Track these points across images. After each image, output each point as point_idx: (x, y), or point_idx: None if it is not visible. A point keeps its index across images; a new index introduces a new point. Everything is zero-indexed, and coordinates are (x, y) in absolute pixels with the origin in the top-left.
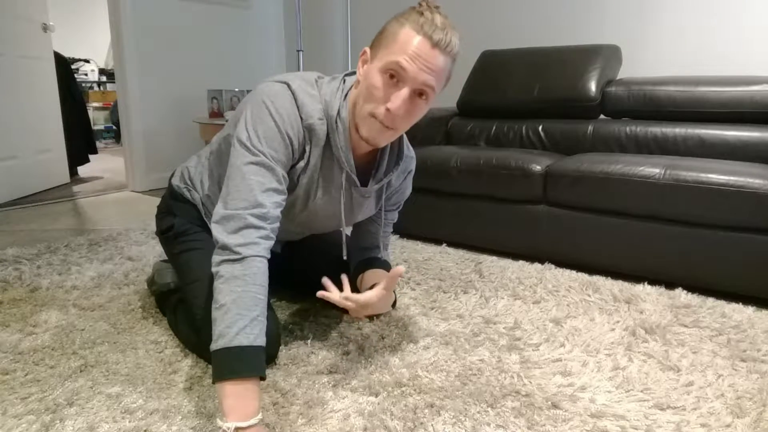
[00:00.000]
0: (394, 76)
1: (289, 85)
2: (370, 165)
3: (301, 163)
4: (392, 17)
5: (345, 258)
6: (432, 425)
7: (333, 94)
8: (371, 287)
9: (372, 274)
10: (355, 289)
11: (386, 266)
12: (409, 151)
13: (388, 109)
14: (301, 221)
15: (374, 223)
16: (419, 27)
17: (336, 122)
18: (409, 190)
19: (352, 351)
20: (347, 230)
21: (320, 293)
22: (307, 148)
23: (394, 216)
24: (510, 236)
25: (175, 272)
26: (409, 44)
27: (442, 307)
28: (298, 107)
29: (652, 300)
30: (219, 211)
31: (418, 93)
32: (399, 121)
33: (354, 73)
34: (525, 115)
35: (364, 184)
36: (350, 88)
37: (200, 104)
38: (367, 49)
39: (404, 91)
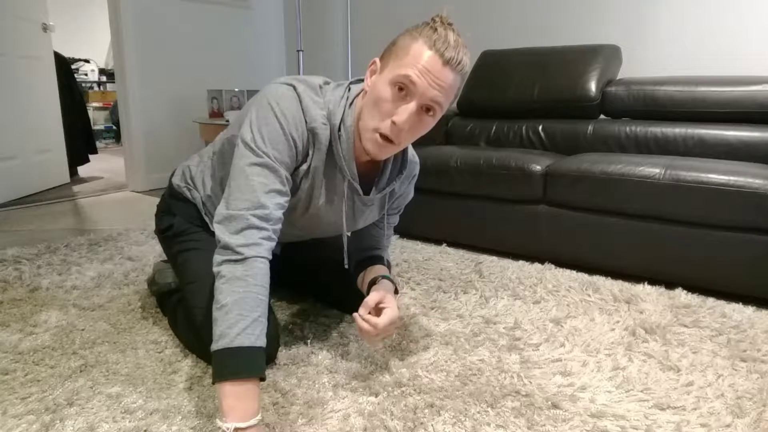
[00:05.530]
0: (403, 89)
1: (294, 88)
2: (374, 172)
3: (304, 166)
4: (405, 31)
5: (346, 266)
6: (432, 425)
7: (337, 103)
8: (378, 312)
9: (372, 271)
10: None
11: (388, 265)
12: (413, 156)
13: (393, 122)
14: (302, 225)
15: (376, 226)
16: (432, 43)
17: (339, 130)
18: (411, 195)
19: (352, 351)
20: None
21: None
22: (310, 151)
23: (395, 219)
24: (510, 236)
25: (174, 272)
26: (420, 59)
27: (442, 307)
28: (302, 110)
29: (652, 300)
30: (221, 211)
31: (426, 108)
32: (403, 135)
33: (360, 80)
34: (525, 115)
35: (367, 192)
36: (356, 96)
37: (200, 104)
38: (377, 60)
39: (412, 105)
